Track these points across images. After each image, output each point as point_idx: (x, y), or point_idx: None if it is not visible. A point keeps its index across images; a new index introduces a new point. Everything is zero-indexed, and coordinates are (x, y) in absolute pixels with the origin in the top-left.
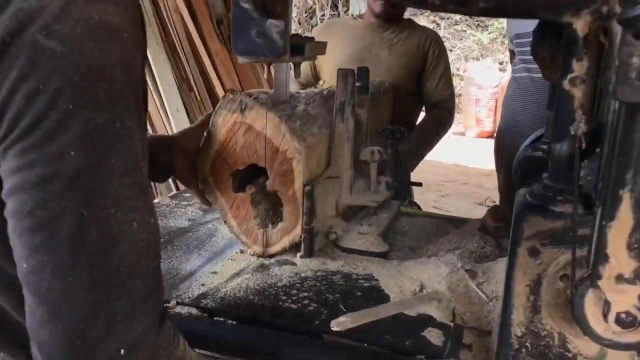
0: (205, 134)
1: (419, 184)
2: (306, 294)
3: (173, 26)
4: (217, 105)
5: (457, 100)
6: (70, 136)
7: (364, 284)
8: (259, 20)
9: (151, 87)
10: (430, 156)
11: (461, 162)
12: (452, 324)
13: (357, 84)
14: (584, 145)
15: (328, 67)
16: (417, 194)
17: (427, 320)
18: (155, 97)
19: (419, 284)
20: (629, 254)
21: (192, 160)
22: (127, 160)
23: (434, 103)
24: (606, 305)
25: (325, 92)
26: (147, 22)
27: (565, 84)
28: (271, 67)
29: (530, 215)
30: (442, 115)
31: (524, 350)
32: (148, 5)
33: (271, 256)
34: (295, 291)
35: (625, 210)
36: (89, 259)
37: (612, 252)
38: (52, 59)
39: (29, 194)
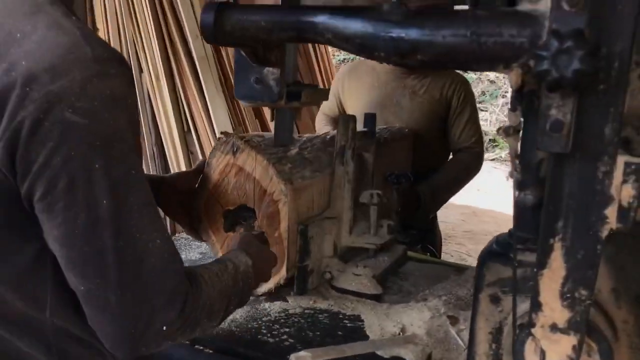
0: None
1: (431, 230)
2: (287, 330)
3: (232, 72)
4: (213, 147)
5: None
6: (100, 188)
7: (348, 324)
8: (258, 67)
9: (208, 130)
10: (491, 206)
11: None
12: None
13: (364, 129)
14: (517, 193)
15: (351, 111)
16: (472, 244)
17: None
18: (212, 139)
19: (401, 327)
20: (561, 303)
21: (185, 198)
22: (143, 196)
23: (459, 149)
24: (542, 354)
25: (327, 137)
26: (207, 67)
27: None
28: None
29: (491, 262)
30: (468, 161)
31: None
32: (210, 51)
33: (258, 296)
34: (278, 326)
35: (556, 259)
36: (130, 276)
37: (545, 301)
38: (78, 131)
39: (77, 238)
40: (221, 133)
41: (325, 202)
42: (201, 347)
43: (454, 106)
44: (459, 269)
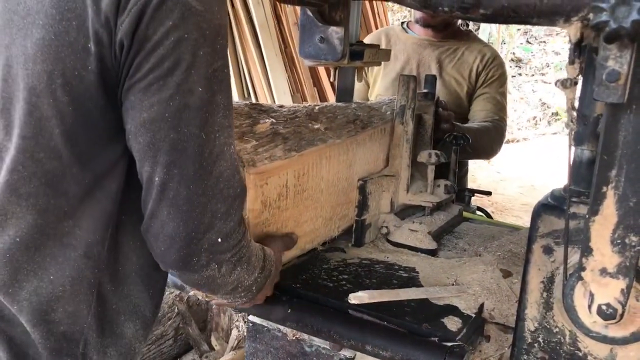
0: None
1: (488, 193)
2: (345, 277)
3: (291, 39)
4: None
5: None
6: (199, 75)
7: (403, 274)
8: (323, 26)
9: (267, 96)
10: (551, 179)
11: None
12: (474, 316)
13: (424, 90)
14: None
15: (377, 84)
16: (529, 217)
17: (451, 310)
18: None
19: (455, 279)
20: (612, 248)
21: None
22: (228, 98)
23: (480, 121)
24: (590, 297)
25: (316, 108)
26: (268, 34)
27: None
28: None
29: (545, 214)
30: (489, 125)
31: (536, 345)
32: (270, 18)
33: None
34: (337, 273)
35: (608, 207)
36: (203, 171)
37: (596, 246)
38: (195, 15)
39: (166, 122)
40: None
41: (382, 162)
42: None
43: (482, 80)
44: (514, 229)
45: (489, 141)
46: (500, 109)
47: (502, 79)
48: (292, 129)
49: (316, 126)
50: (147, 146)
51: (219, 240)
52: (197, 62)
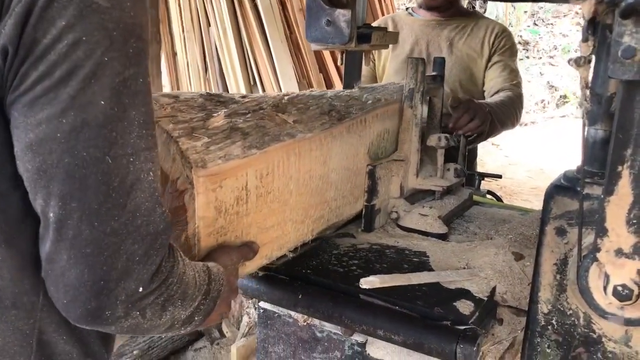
0: None
1: (498, 176)
2: (355, 262)
3: (297, 25)
4: None
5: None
6: (102, 86)
7: (414, 259)
8: (329, 9)
9: (273, 83)
10: (560, 163)
11: None
12: (486, 299)
13: (433, 73)
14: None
15: (387, 68)
16: (538, 201)
17: (462, 293)
18: (276, 92)
19: (466, 262)
20: (628, 229)
21: None
22: (146, 114)
23: (497, 90)
24: (606, 278)
25: (285, 98)
26: (273, 21)
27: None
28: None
29: (558, 195)
30: (509, 94)
31: (550, 327)
32: (275, 4)
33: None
34: (347, 258)
35: (624, 186)
36: (112, 204)
37: (611, 227)
38: (98, 13)
39: (58, 143)
40: None
41: (363, 157)
42: (275, 274)
43: (493, 50)
44: (525, 212)
45: (514, 110)
46: (515, 75)
47: (513, 49)
48: (254, 122)
49: (284, 119)
50: (36, 174)
51: (140, 289)
52: (100, 69)
